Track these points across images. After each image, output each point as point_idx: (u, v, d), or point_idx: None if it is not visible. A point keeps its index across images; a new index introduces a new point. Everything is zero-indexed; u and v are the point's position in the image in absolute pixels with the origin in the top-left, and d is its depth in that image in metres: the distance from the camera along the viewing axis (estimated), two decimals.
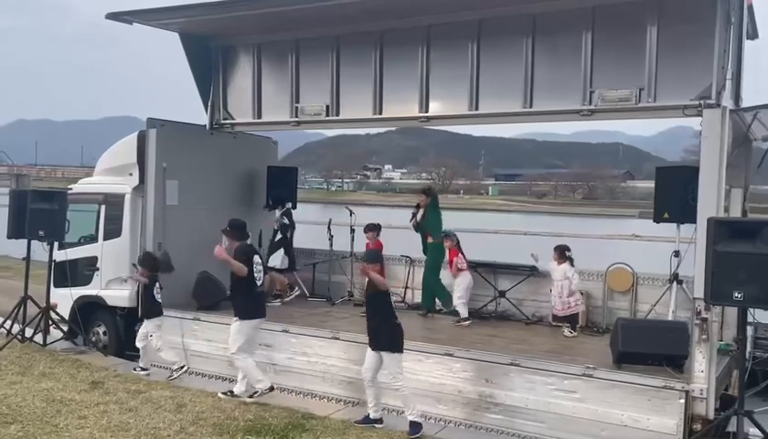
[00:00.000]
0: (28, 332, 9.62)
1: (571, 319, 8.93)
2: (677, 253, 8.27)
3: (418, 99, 9.01)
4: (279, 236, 10.82)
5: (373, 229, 10.68)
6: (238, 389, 7.68)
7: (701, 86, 7.11)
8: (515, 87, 8.29)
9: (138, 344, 8.75)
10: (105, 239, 10.31)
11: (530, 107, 8.27)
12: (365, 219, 11.17)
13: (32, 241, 9.72)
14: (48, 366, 8.55)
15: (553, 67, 8.13)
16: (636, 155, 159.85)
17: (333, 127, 10.53)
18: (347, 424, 6.86)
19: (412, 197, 11.59)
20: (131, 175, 10.18)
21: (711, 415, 6.48)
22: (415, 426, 6.71)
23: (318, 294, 11.19)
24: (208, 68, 10.62)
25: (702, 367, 6.52)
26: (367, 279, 6.99)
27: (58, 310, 9.88)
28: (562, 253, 9.03)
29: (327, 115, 9.67)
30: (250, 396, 7.53)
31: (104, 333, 10.26)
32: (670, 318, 8.08)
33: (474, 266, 10.02)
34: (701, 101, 7.02)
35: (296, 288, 10.96)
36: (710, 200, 6.57)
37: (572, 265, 8.99)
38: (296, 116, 9.94)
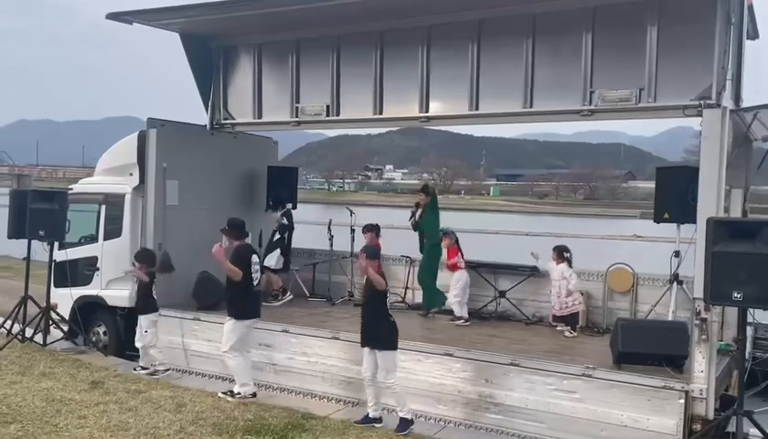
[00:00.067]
0: (28, 332, 9.63)
1: (571, 319, 8.94)
2: (677, 254, 8.25)
3: (418, 99, 9.01)
4: (277, 236, 10.82)
5: (371, 229, 10.27)
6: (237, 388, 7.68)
7: (701, 86, 7.11)
8: (515, 87, 8.29)
9: (137, 344, 8.78)
10: (105, 239, 10.30)
11: (531, 107, 8.27)
12: (366, 219, 11.13)
13: (32, 241, 9.73)
14: (48, 366, 8.55)
15: (554, 67, 8.13)
16: (638, 156, 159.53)
17: (333, 127, 10.54)
18: (347, 424, 6.87)
19: (413, 197, 11.56)
20: (131, 175, 10.16)
21: (711, 415, 6.48)
22: (404, 423, 6.71)
23: (318, 294, 11.18)
24: (209, 68, 10.62)
25: (702, 367, 6.53)
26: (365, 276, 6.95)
27: (58, 310, 9.88)
28: (560, 254, 9.08)
29: (328, 115, 9.67)
30: (231, 394, 7.52)
31: (104, 333, 10.25)
32: (670, 318, 8.08)
33: (475, 266, 10.02)
34: (701, 102, 7.01)
35: (289, 293, 10.83)
36: (710, 201, 6.57)
37: (570, 266, 9.01)
38: (297, 116, 9.94)
